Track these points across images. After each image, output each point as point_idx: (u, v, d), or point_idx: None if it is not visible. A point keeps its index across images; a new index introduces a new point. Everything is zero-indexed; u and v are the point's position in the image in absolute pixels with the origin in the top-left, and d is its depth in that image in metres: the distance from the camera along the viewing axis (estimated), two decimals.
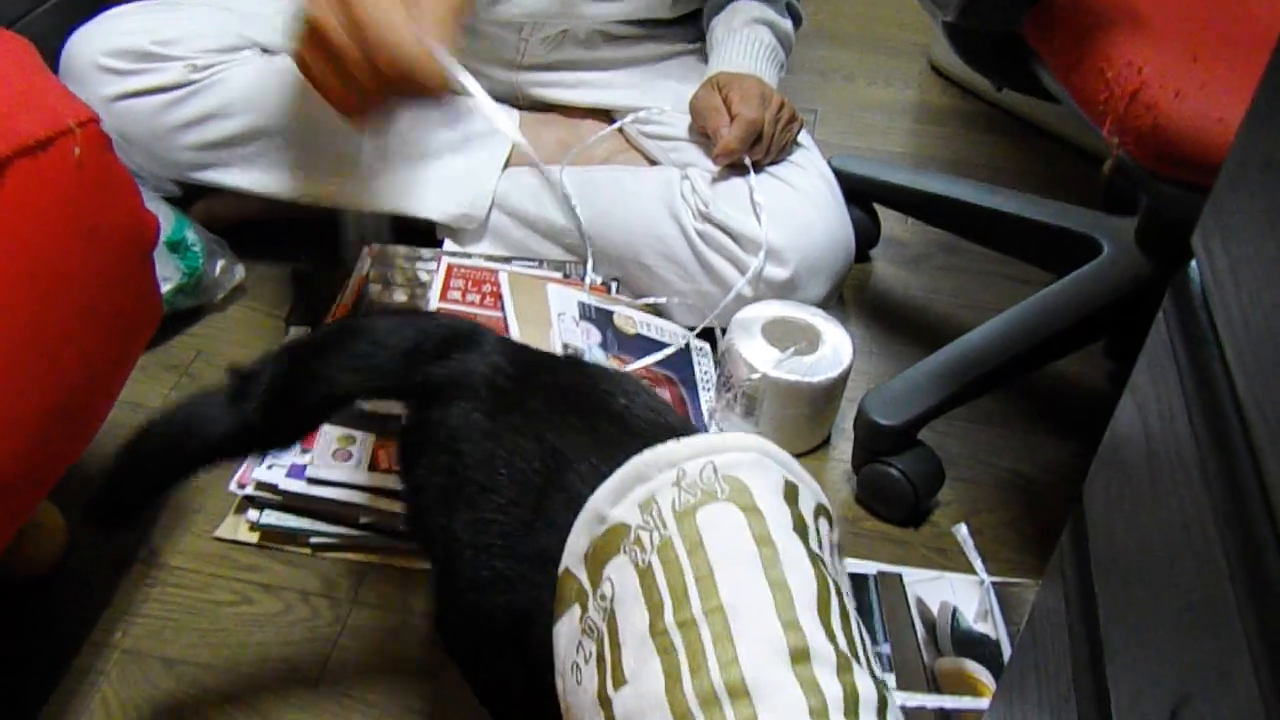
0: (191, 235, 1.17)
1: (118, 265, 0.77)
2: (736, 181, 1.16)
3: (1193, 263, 0.45)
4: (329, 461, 0.96)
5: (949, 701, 0.85)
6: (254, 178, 1.20)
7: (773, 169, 1.18)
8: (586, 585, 0.58)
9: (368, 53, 0.80)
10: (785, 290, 1.13)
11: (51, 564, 0.93)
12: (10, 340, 0.67)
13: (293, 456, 0.97)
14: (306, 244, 1.29)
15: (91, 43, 1.15)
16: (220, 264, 1.20)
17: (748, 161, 1.16)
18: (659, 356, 1.11)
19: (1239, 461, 0.38)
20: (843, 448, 1.12)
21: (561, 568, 0.60)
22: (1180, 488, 0.41)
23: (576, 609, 0.59)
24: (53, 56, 1.15)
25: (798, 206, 1.14)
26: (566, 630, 0.59)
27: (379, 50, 0.79)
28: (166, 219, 1.15)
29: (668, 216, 1.16)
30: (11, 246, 0.68)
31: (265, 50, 1.22)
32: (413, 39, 0.79)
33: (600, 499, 0.59)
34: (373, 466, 0.96)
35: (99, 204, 0.75)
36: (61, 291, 0.71)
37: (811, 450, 1.12)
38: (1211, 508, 0.38)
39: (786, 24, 1.27)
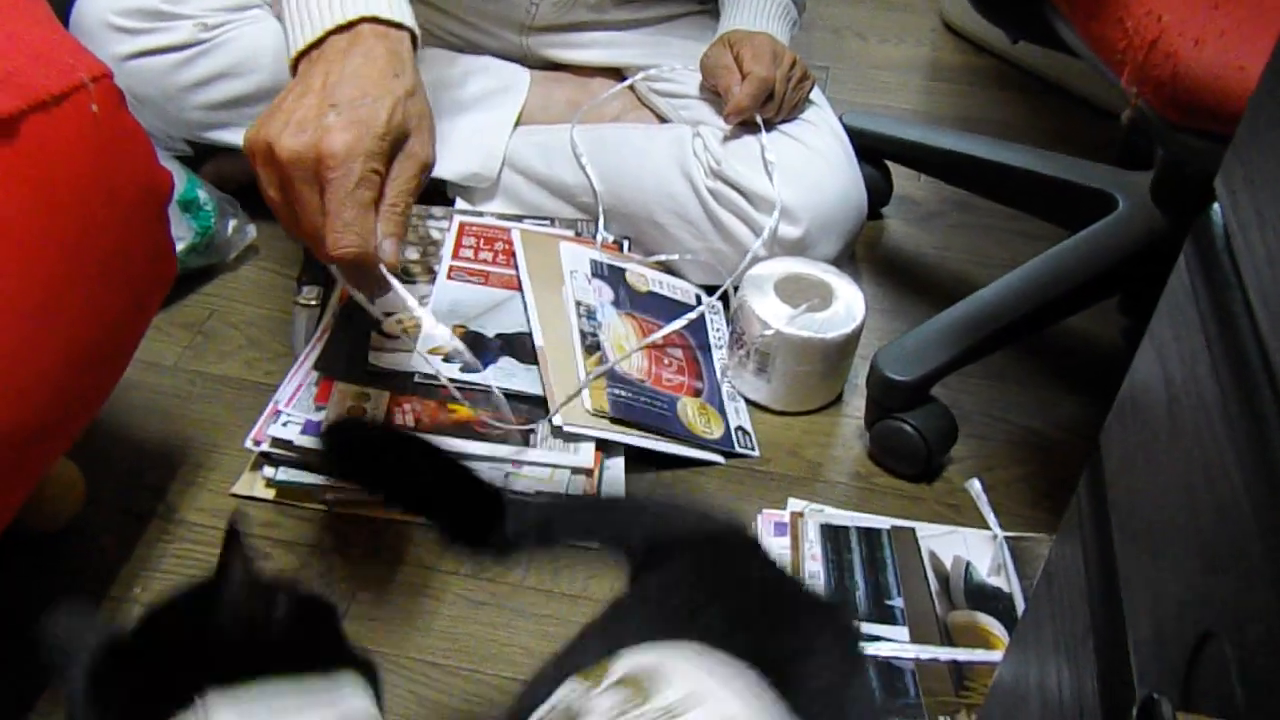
0: (203, 195, 1.17)
1: (133, 221, 0.77)
2: (748, 139, 1.15)
3: (1214, 206, 0.45)
4: (343, 419, 0.97)
5: (962, 654, 0.85)
6: None
7: (785, 127, 1.18)
8: None
9: (324, 217, 0.78)
10: (797, 248, 1.12)
11: (69, 519, 0.94)
12: (28, 295, 0.67)
13: (307, 413, 0.98)
14: None
15: (101, 0, 1.14)
16: (232, 224, 1.20)
17: (759, 119, 1.16)
18: (681, 323, 1.11)
19: (1262, 402, 0.38)
20: (855, 404, 1.12)
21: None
22: (1201, 430, 0.41)
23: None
24: (63, 15, 1.15)
25: (810, 164, 1.14)
26: None
27: (328, 230, 0.77)
28: (178, 178, 1.15)
29: (679, 174, 1.16)
30: (27, 202, 0.68)
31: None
32: (365, 234, 0.78)
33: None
34: (387, 423, 0.97)
35: (114, 159, 0.75)
36: (78, 247, 0.71)
37: (824, 407, 1.12)
38: (1234, 449, 0.38)
39: None
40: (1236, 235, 0.42)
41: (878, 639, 0.85)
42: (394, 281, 0.83)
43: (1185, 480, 0.42)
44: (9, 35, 0.71)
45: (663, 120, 1.27)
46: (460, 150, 1.24)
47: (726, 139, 1.16)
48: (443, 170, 1.24)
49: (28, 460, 0.75)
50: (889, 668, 0.84)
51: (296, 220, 0.80)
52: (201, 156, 1.26)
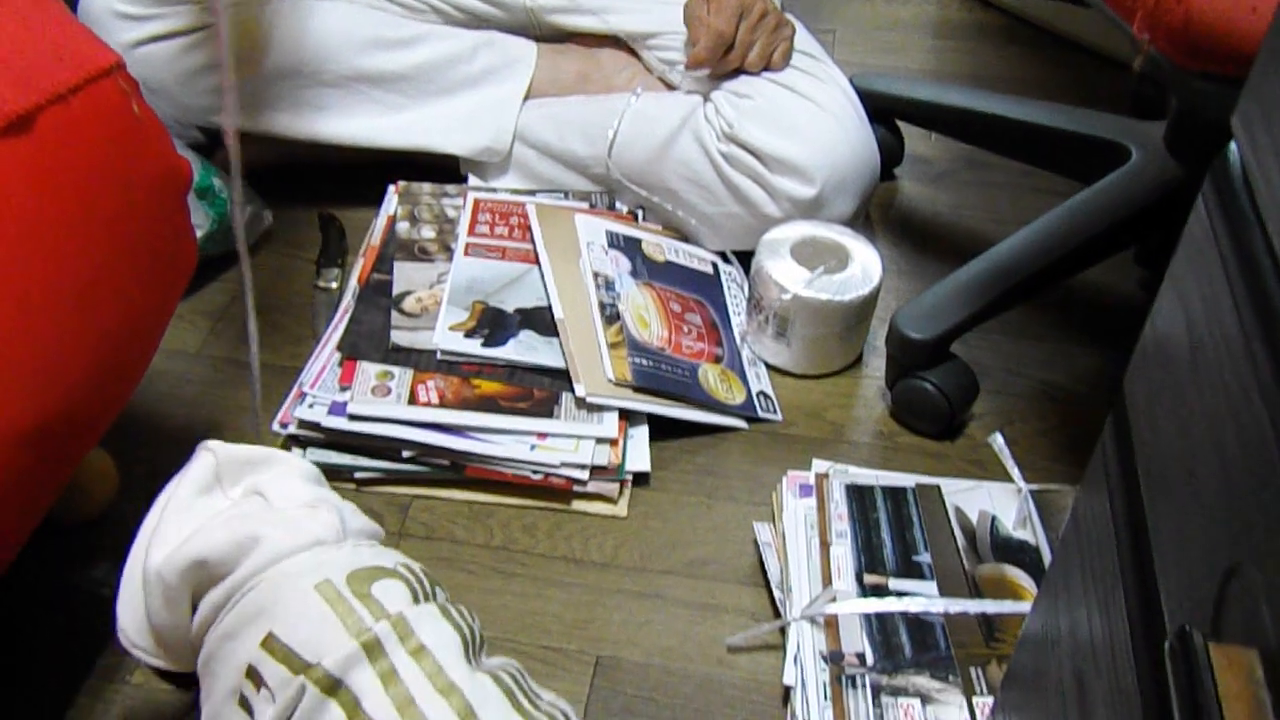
0: (218, 182, 1.18)
1: (154, 210, 0.78)
2: (760, 101, 1.15)
3: (1231, 145, 0.45)
4: (369, 398, 0.98)
5: (991, 606, 0.86)
6: (276, 120, 1.21)
7: (795, 85, 1.16)
8: None
9: None
10: (812, 208, 1.12)
11: (103, 507, 0.95)
12: (58, 287, 0.68)
13: (332, 394, 0.99)
14: (332, 186, 1.30)
15: None
16: (249, 210, 1.21)
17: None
18: None
19: None
20: (875, 365, 1.12)
21: None
22: (1224, 367, 0.42)
23: None
24: (70, 4, 1.15)
25: (821, 122, 1.13)
26: None
27: None
28: (193, 166, 1.15)
29: (692, 140, 1.16)
30: (49, 195, 0.69)
31: None
32: None
33: None
34: (411, 400, 0.98)
35: (132, 148, 0.75)
36: (102, 237, 0.72)
37: (844, 369, 1.12)
38: (1257, 382, 0.39)
39: None
40: (1254, 172, 0.42)
41: (907, 594, 0.86)
42: None
43: (1210, 417, 0.42)
44: (23, 30, 0.71)
45: (671, 88, 1.27)
46: (471, 125, 1.25)
47: (741, 97, 1.15)
48: (455, 146, 1.24)
49: (63, 450, 0.76)
50: (919, 622, 0.84)
51: None
52: (215, 144, 1.27)
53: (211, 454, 0.71)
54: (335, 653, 0.61)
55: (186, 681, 0.72)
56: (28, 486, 0.73)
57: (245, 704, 0.64)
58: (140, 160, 0.76)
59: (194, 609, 0.67)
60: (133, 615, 0.68)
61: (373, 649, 0.61)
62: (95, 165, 0.72)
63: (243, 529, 0.66)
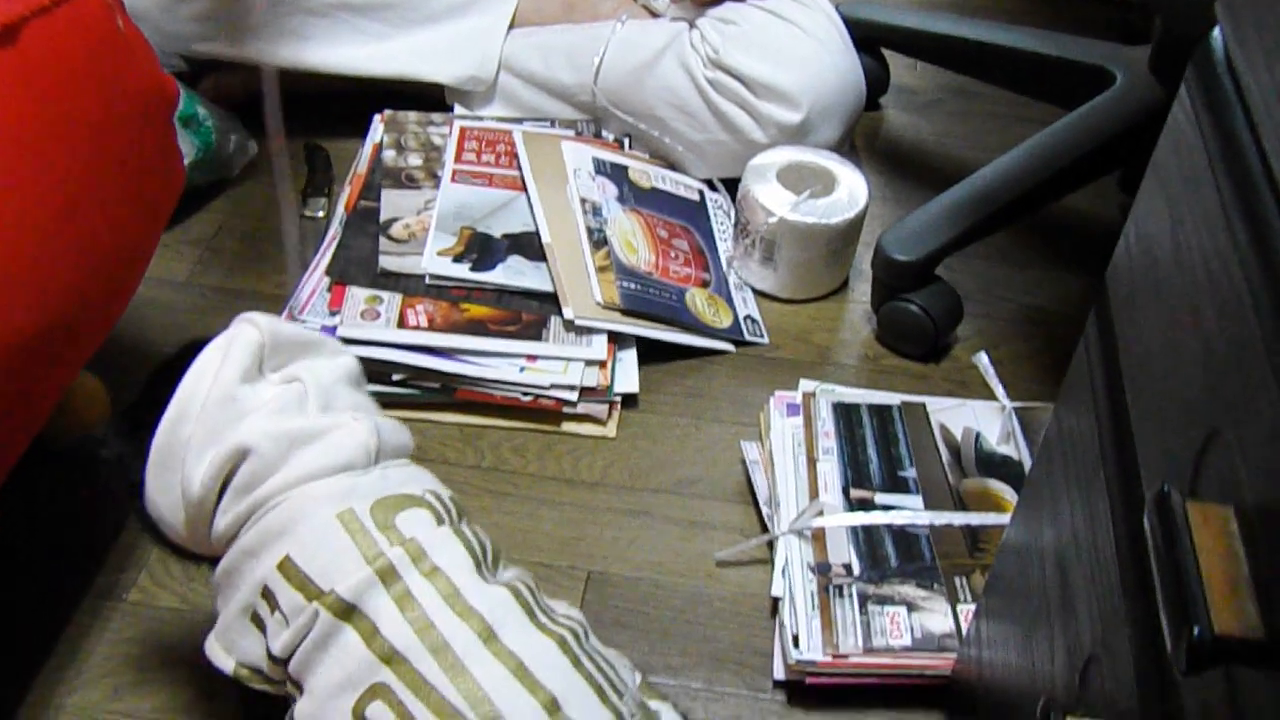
0: (202, 111, 1.17)
1: (139, 125, 0.78)
2: (746, 27, 1.15)
3: (1214, 32, 0.46)
4: (358, 322, 0.98)
5: (975, 518, 0.87)
6: (260, 48, 1.20)
7: (778, 9, 1.16)
8: None
9: None
10: (798, 134, 1.12)
11: (94, 430, 0.95)
12: (46, 200, 0.68)
13: (322, 318, 0.99)
14: (317, 116, 1.29)
15: None
16: (234, 139, 1.20)
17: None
18: None
19: (1265, 209, 0.39)
20: (861, 290, 1.13)
21: None
22: (1204, 243, 0.43)
23: None
24: None
25: (807, 48, 1.13)
26: None
27: None
28: None
29: (677, 66, 1.15)
30: (37, 108, 0.68)
31: None
32: None
33: None
34: (401, 324, 0.98)
35: (115, 63, 0.75)
36: (85, 150, 0.72)
37: (830, 294, 1.13)
38: (1236, 256, 0.39)
39: None
40: (1235, 50, 0.42)
41: (893, 508, 0.87)
42: None
43: (1189, 294, 0.43)
44: None
45: (656, 15, 1.26)
46: (456, 54, 1.24)
47: (726, 23, 1.15)
48: (439, 74, 1.24)
49: (53, 366, 0.76)
50: (904, 534, 0.86)
51: None
52: (198, 75, 1.26)
53: (256, 330, 0.67)
54: (349, 579, 0.61)
55: (196, 556, 0.71)
56: (16, 403, 0.73)
57: (258, 620, 0.65)
58: (125, 75, 0.76)
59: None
60: (163, 489, 0.67)
61: (387, 574, 0.61)
62: (80, 78, 0.72)
63: (285, 428, 0.65)
